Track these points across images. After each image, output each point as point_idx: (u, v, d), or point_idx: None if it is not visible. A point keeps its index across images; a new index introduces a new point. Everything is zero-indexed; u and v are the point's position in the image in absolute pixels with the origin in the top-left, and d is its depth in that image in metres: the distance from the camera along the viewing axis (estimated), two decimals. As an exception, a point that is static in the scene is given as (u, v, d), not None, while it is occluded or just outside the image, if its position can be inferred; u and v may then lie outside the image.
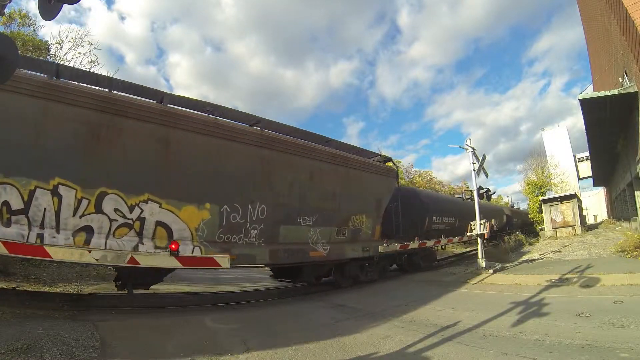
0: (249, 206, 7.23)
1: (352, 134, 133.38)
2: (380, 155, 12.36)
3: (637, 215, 13.66)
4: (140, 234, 5.99)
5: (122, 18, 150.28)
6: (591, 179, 28.81)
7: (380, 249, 10.42)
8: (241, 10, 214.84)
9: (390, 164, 13.33)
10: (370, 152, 11.84)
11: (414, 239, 12.15)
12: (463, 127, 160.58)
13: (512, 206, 36.02)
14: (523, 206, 38.10)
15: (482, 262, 10.69)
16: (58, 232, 5.29)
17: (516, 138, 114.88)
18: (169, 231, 6.26)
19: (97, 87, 6.18)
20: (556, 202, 22.03)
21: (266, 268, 12.11)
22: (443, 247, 16.84)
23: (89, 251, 5.39)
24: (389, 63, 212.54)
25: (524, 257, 12.74)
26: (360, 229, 9.94)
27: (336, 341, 4.67)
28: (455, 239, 14.52)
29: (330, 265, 9.61)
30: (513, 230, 22.67)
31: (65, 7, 3.11)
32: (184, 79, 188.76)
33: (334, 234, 9.16)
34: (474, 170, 11.87)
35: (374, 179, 10.72)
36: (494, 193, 14.66)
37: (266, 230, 7.50)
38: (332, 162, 9.30)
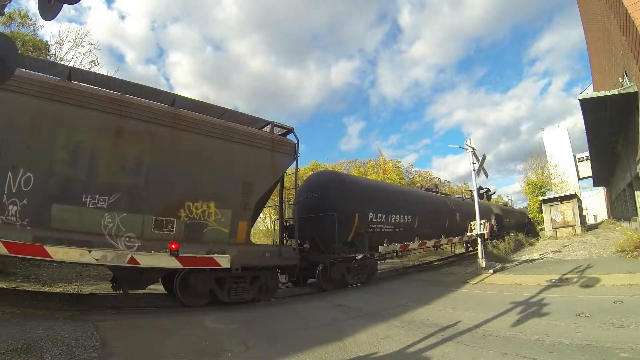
0: (9, 173, 5.33)
1: (352, 134, 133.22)
2: (275, 124, 8.60)
3: (637, 215, 13.66)
4: None
5: (122, 17, 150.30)
6: (591, 179, 28.80)
7: (381, 249, 10.36)
8: (242, 10, 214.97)
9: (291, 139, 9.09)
10: (258, 120, 8.60)
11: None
12: (464, 127, 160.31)
13: (506, 204, 32.50)
14: (523, 206, 37.33)
15: (482, 262, 10.69)
16: None
17: (517, 138, 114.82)
18: None
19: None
20: (556, 202, 22.04)
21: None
22: (398, 254, 13.82)
23: (89, 251, 5.39)
24: (390, 62, 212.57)
25: (524, 257, 12.74)
26: (206, 224, 6.97)
27: (336, 341, 4.67)
28: (455, 239, 14.38)
29: (153, 274, 6.69)
30: (505, 233, 20.04)
31: (65, 6, 3.11)
32: (184, 78, 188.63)
33: (150, 226, 6.38)
34: (474, 170, 11.87)
35: (239, 152, 7.58)
36: (494, 193, 14.69)
37: (31, 209, 5.42)
38: (148, 119, 6.60)
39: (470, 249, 18.72)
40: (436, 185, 18.69)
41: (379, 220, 10.83)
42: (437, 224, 14.25)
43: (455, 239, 14.39)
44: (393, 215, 11.39)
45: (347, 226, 9.72)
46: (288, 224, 10.17)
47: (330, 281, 9.36)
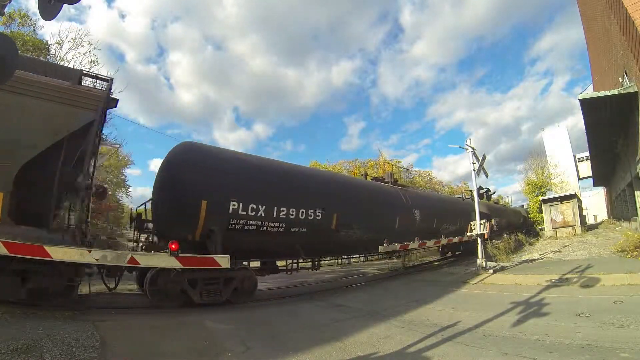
0: None
1: (353, 134, 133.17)
2: (85, 73, 6.88)
3: (637, 215, 13.66)
4: None
5: (122, 16, 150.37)
6: (591, 179, 28.79)
7: (381, 249, 10.36)
8: (242, 9, 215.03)
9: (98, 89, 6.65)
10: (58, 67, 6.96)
11: (414, 239, 12.09)
12: (464, 127, 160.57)
13: (497, 202, 29.16)
14: (524, 205, 36.42)
15: (482, 262, 10.69)
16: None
17: (517, 138, 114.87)
18: None
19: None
20: (556, 202, 22.02)
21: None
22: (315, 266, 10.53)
23: (89, 251, 5.40)
24: (391, 62, 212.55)
25: (524, 257, 12.73)
26: None
27: (336, 341, 4.67)
28: (455, 239, 14.35)
29: None
30: (494, 235, 18.01)
31: (65, 5, 3.11)
32: (184, 77, 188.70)
33: None
34: (474, 170, 11.87)
35: None
36: (494, 193, 14.66)
37: None
38: None
39: (449, 254, 17.42)
40: (391, 174, 14.36)
41: (252, 214, 7.47)
42: (379, 223, 11.07)
43: (456, 239, 14.32)
44: (283, 209, 7.97)
45: (190, 218, 6.88)
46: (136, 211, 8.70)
47: (165, 295, 6.53)
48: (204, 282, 6.84)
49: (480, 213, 18.32)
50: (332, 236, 9.33)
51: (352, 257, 14.94)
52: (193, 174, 7.15)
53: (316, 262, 9.75)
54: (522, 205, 36.06)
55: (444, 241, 13.61)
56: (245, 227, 7.56)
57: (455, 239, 14.26)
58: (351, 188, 11.14)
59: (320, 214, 8.83)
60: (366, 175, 15.08)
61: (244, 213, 7.45)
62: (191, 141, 8.49)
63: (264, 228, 7.84)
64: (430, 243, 12.72)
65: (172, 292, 6.49)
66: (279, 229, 8.09)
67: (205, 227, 7.03)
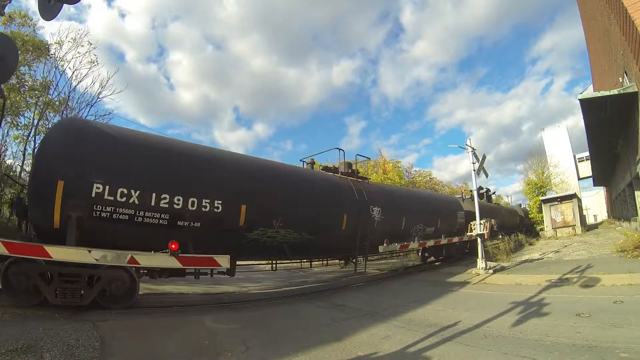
0: None
1: (353, 133, 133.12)
2: None
3: (637, 215, 13.66)
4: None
5: (123, 15, 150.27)
6: (591, 179, 28.81)
7: (381, 249, 10.35)
8: (243, 8, 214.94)
9: None
10: None
11: (414, 239, 12.11)
12: (465, 127, 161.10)
13: (498, 203, 27.75)
14: (523, 205, 35.28)
15: (482, 262, 10.69)
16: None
17: (518, 137, 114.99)
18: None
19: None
20: (556, 202, 22.02)
21: (267, 267, 12.15)
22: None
23: (89, 251, 5.39)
24: (392, 62, 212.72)
25: (524, 257, 12.73)
26: None
27: (336, 341, 4.67)
28: (455, 239, 14.34)
29: None
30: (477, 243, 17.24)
31: (65, 5, 3.12)
32: (185, 77, 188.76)
33: None
34: (474, 170, 11.87)
35: None
36: (493, 193, 14.63)
37: None
38: None
39: (432, 258, 15.22)
40: (350, 165, 12.05)
41: (122, 200, 5.99)
42: (315, 222, 8.84)
43: (456, 239, 14.31)
44: (165, 196, 6.32)
45: (45, 201, 5.62)
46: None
47: (14, 292, 5.39)
48: (61, 279, 5.54)
49: (466, 212, 16.78)
50: (241, 236, 7.35)
51: (284, 262, 11.52)
52: (53, 148, 5.90)
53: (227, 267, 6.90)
54: (520, 204, 34.81)
55: (444, 241, 13.59)
56: (115, 216, 5.99)
57: (455, 239, 14.23)
58: (272, 175, 8.49)
59: (219, 206, 6.90)
60: (313, 163, 11.75)
61: (111, 198, 5.91)
62: (80, 117, 7.78)
63: (139, 219, 6.20)
64: (430, 243, 12.71)
65: (23, 287, 5.36)
66: (161, 221, 6.36)
67: (64, 214, 5.66)
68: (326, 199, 9.58)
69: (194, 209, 6.65)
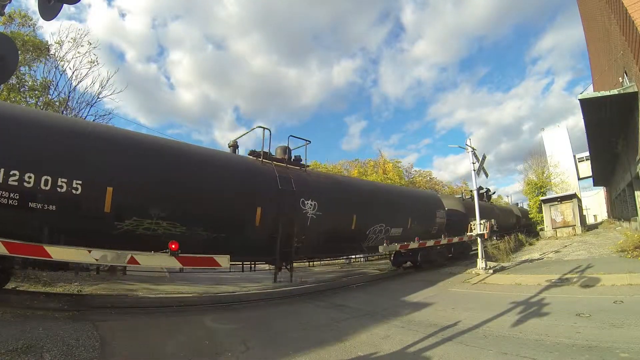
0: None
1: (354, 133, 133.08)
2: None
3: (637, 215, 13.66)
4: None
5: (123, 15, 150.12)
6: (591, 179, 28.80)
7: (381, 249, 10.36)
8: (243, 8, 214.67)
9: None
10: None
11: (414, 239, 12.05)
12: (465, 126, 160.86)
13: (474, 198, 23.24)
14: (516, 203, 33.68)
15: (482, 262, 10.69)
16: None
17: (518, 137, 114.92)
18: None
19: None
20: (556, 202, 22.02)
21: (267, 268, 12.16)
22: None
23: (89, 251, 5.39)
24: (392, 61, 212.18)
25: (524, 257, 12.73)
26: None
27: (336, 341, 4.67)
28: (455, 239, 14.32)
29: None
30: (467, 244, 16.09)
31: (65, 4, 3.12)
32: (185, 77, 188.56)
33: None
34: (474, 170, 11.87)
35: None
36: (494, 193, 14.58)
37: None
38: None
39: (408, 263, 13.16)
40: (287, 150, 9.78)
41: None
42: (216, 215, 7.28)
43: (456, 239, 14.29)
44: (14, 172, 5.41)
45: None
46: None
47: None
48: None
49: (448, 212, 15.60)
50: (109, 225, 6.21)
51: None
52: None
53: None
54: (517, 204, 33.45)
55: (444, 241, 13.57)
56: None
57: (455, 239, 14.21)
58: (151, 153, 6.92)
59: (78, 187, 5.84)
60: (236, 146, 9.51)
61: None
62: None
63: None
64: (430, 243, 12.69)
65: None
66: (11, 202, 5.47)
67: None
68: (232, 186, 7.51)
69: (47, 188, 5.60)
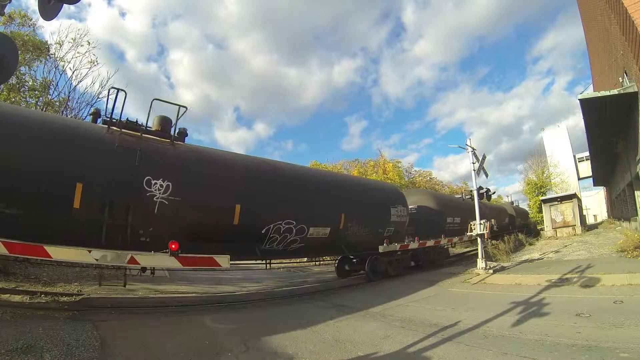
0: None
1: (354, 133, 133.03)
2: None
3: (637, 215, 13.66)
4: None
5: (123, 14, 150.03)
6: (591, 179, 28.79)
7: (381, 249, 10.37)
8: (244, 7, 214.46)
9: None
10: None
11: (414, 239, 12.08)
12: (466, 126, 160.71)
13: (470, 197, 17.95)
14: (512, 202, 30.81)
15: (482, 262, 10.69)
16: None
17: (519, 137, 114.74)
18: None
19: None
20: (556, 202, 22.03)
21: (267, 268, 12.13)
22: None
23: (89, 251, 5.40)
24: (393, 61, 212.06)
25: (524, 257, 12.73)
26: None
27: (336, 341, 4.67)
28: (455, 239, 14.34)
29: None
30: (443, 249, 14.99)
31: (65, 4, 3.12)
32: (185, 76, 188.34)
33: None
34: (474, 170, 11.88)
35: None
36: (494, 193, 14.43)
37: None
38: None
39: (349, 269, 11.62)
40: (167, 122, 7.83)
41: None
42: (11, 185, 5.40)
43: (456, 239, 14.30)
44: None
45: None
46: None
47: None
48: None
49: (419, 209, 14.12)
50: None
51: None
52: None
53: None
54: (512, 202, 30.86)
55: (444, 241, 13.58)
56: None
57: (455, 239, 14.23)
58: None
59: None
60: (97, 114, 7.53)
61: None
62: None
63: None
64: (430, 243, 12.70)
65: None
66: None
67: None
68: (39, 155, 5.66)
69: None
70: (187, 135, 7.98)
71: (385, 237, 10.95)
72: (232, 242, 7.36)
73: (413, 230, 13.55)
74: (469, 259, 15.64)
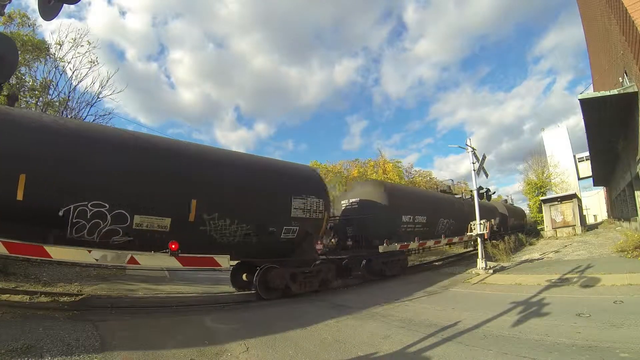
0: None
1: (355, 133, 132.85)
2: None
3: (637, 215, 13.66)
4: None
5: (123, 13, 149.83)
6: (591, 179, 28.77)
7: (381, 249, 10.37)
8: (245, 6, 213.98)
9: None
10: None
11: (414, 239, 12.05)
12: (466, 126, 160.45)
13: (453, 192, 18.17)
14: (504, 199, 29.48)
15: (482, 262, 10.69)
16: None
17: (519, 137, 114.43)
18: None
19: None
20: (556, 202, 22.05)
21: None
22: None
23: (89, 251, 5.40)
24: (394, 60, 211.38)
25: (524, 257, 12.74)
26: None
27: (336, 341, 4.67)
28: (455, 239, 14.32)
29: None
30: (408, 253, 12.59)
31: (65, 4, 3.12)
32: (185, 76, 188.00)
33: None
34: (474, 170, 11.88)
35: None
36: (494, 193, 14.37)
37: None
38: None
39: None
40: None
41: None
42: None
43: (456, 239, 14.28)
44: None
45: None
46: None
47: None
48: None
49: (361, 203, 11.15)
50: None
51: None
52: None
53: None
54: (506, 200, 29.35)
55: (443, 241, 13.58)
56: None
57: (456, 239, 14.20)
58: None
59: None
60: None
61: None
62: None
63: None
64: (430, 243, 12.69)
65: None
66: None
67: None
68: None
69: None
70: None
71: (283, 240, 8.17)
72: (13, 224, 5.37)
73: (352, 231, 11.13)
74: (469, 259, 15.65)
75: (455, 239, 14.27)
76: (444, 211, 14.84)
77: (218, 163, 7.71)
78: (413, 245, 11.68)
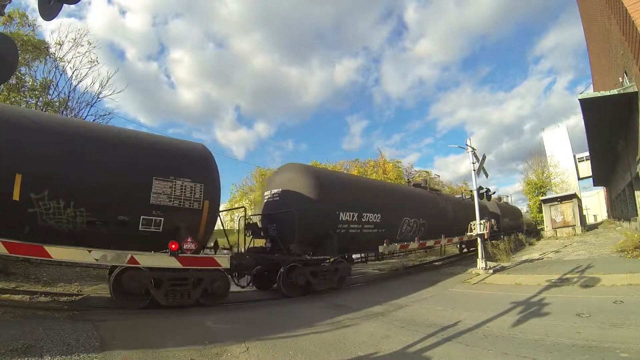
0: None
1: (355, 133, 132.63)
2: None
3: (637, 215, 13.66)
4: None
5: (123, 12, 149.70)
6: (591, 179, 28.77)
7: (381, 249, 10.36)
8: (245, 6, 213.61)
9: None
10: None
11: (414, 239, 12.06)
12: (467, 126, 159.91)
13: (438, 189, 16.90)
14: (499, 198, 26.43)
15: (482, 262, 10.69)
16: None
17: (520, 137, 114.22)
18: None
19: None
20: (556, 202, 22.05)
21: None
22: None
23: (89, 251, 5.40)
24: (395, 60, 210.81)
25: (524, 257, 12.74)
26: None
27: (336, 341, 4.67)
28: (455, 239, 14.30)
29: None
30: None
31: (65, 4, 3.12)
32: (185, 75, 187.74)
33: None
34: (474, 170, 11.88)
35: None
36: (494, 193, 14.35)
37: None
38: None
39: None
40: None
41: None
42: None
43: (456, 239, 14.26)
44: None
45: None
46: None
47: None
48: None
49: (283, 194, 8.95)
50: None
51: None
52: None
53: None
54: (500, 199, 26.94)
55: (443, 241, 13.56)
56: None
57: (455, 239, 14.18)
58: None
59: None
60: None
61: None
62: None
63: None
64: (430, 243, 12.67)
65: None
66: None
67: None
68: None
69: None
70: None
71: (145, 234, 6.38)
72: None
73: (274, 231, 8.95)
74: (469, 259, 15.65)
75: (455, 239, 14.24)
76: (413, 210, 12.23)
77: (40, 128, 5.81)
78: (413, 245, 11.65)
